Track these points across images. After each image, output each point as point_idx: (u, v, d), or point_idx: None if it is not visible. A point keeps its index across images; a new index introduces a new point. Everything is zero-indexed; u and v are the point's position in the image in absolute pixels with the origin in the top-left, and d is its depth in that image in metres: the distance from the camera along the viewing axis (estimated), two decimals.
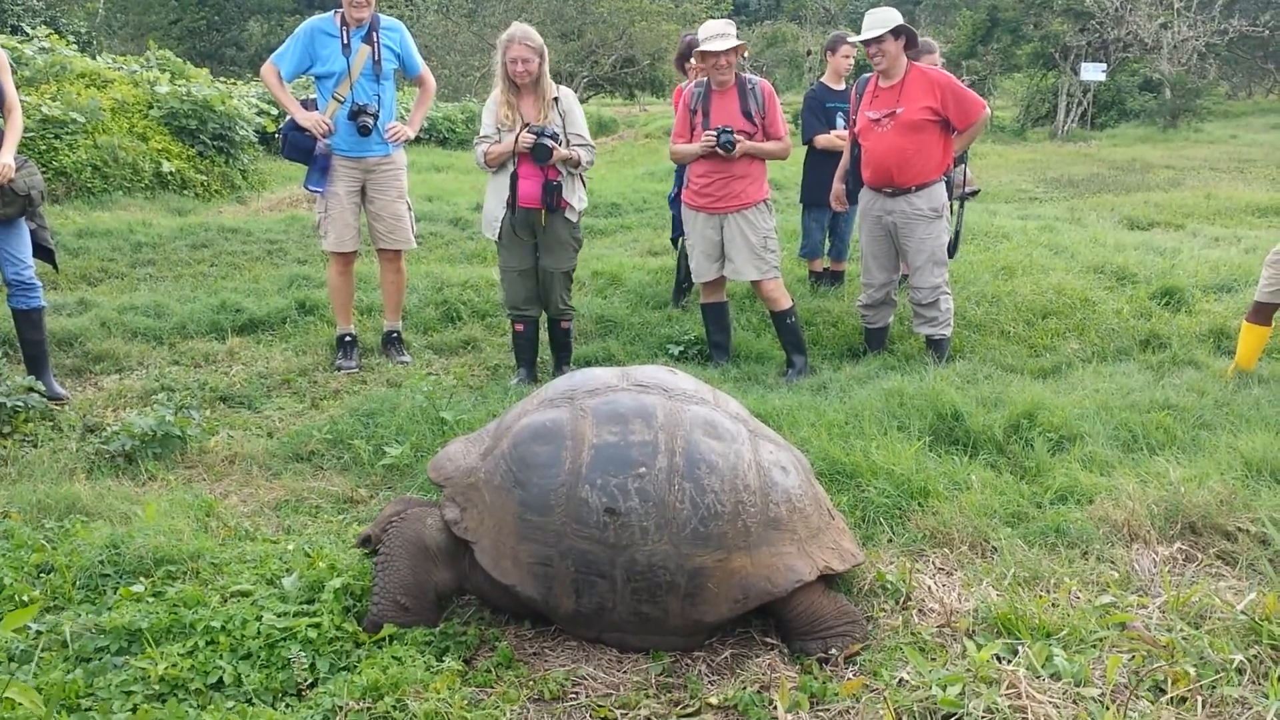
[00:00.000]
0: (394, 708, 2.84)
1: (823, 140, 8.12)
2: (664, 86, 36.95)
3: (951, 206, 7.61)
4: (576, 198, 6.31)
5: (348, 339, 6.95)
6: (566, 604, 3.23)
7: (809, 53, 38.14)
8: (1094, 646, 3.13)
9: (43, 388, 5.65)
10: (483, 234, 6.63)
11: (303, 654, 3.09)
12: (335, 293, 7.01)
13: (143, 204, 12.54)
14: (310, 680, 3.05)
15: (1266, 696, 2.75)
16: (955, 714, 2.81)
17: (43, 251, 6.06)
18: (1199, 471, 4.33)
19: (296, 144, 6.58)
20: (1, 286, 6.15)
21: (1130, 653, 3.06)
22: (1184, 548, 3.87)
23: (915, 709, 2.84)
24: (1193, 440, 4.92)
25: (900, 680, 3.00)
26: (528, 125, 6.01)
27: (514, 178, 6.10)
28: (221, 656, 3.08)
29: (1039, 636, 3.17)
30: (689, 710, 3.02)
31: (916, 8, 45.89)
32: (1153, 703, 2.82)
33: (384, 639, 3.22)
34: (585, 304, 7.88)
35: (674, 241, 8.43)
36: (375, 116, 6.54)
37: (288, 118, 6.62)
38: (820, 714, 2.95)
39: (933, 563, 3.86)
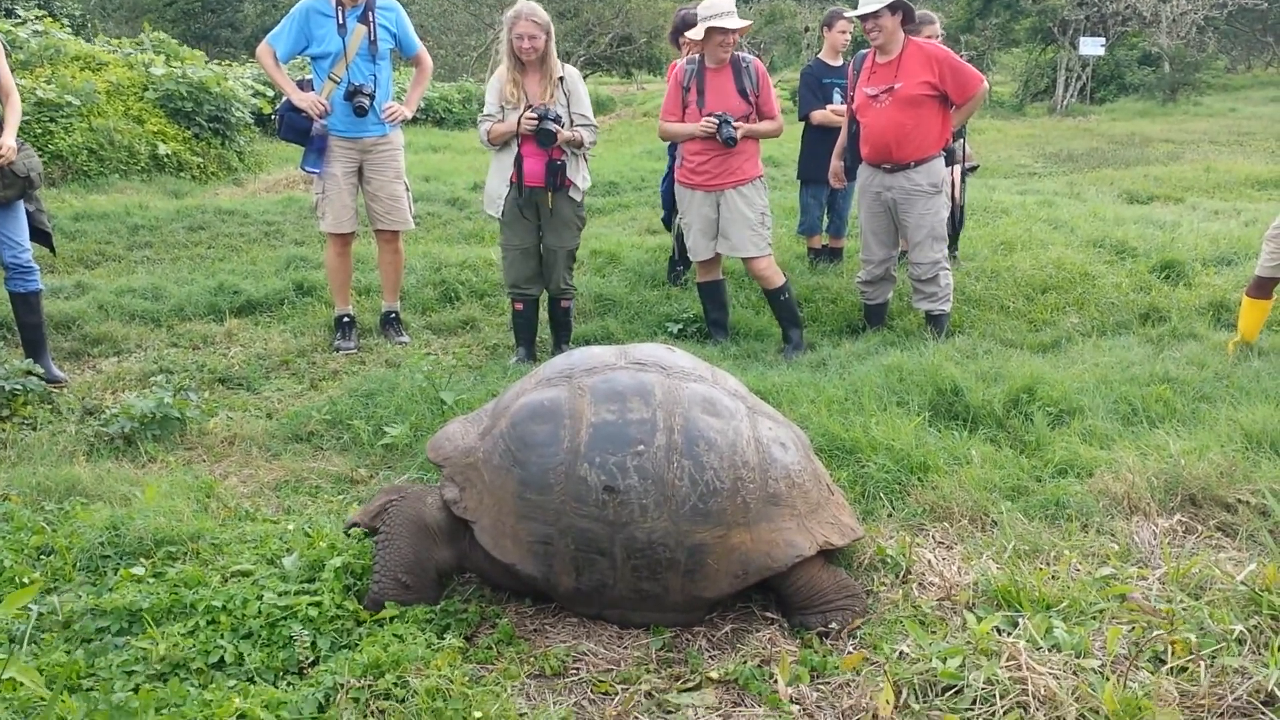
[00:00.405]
0: (395, 685, 2.84)
1: (819, 116, 8.09)
2: (661, 64, 36.76)
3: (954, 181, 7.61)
4: (580, 177, 6.29)
5: (346, 320, 6.94)
6: (567, 582, 3.23)
7: (807, 29, 38.00)
8: (1094, 618, 3.14)
9: (41, 371, 5.65)
10: (485, 212, 6.61)
11: (304, 632, 3.09)
12: (333, 274, 6.99)
13: (139, 187, 12.50)
14: (311, 658, 3.05)
15: (1267, 666, 2.75)
16: (955, 686, 2.81)
17: (39, 235, 6.05)
18: (1199, 444, 4.33)
19: (293, 125, 6.55)
20: None
21: (1130, 624, 3.06)
22: (1184, 520, 3.87)
23: (915, 682, 2.85)
24: (1192, 413, 4.91)
25: (900, 653, 3.01)
26: (531, 106, 5.98)
27: (518, 157, 6.08)
28: (223, 636, 3.08)
29: (1039, 609, 3.18)
30: (689, 684, 3.03)
31: None
32: (1153, 673, 2.82)
33: (385, 617, 3.23)
34: (584, 283, 7.86)
35: (665, 223, 8.40)
36: (371, 97, 6.50)
37: (284, 99, 6.58)
38: (820, 687, 2.96)
39: (933, 537, 3.86)
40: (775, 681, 2.95)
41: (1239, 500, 3.91)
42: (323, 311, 7.41)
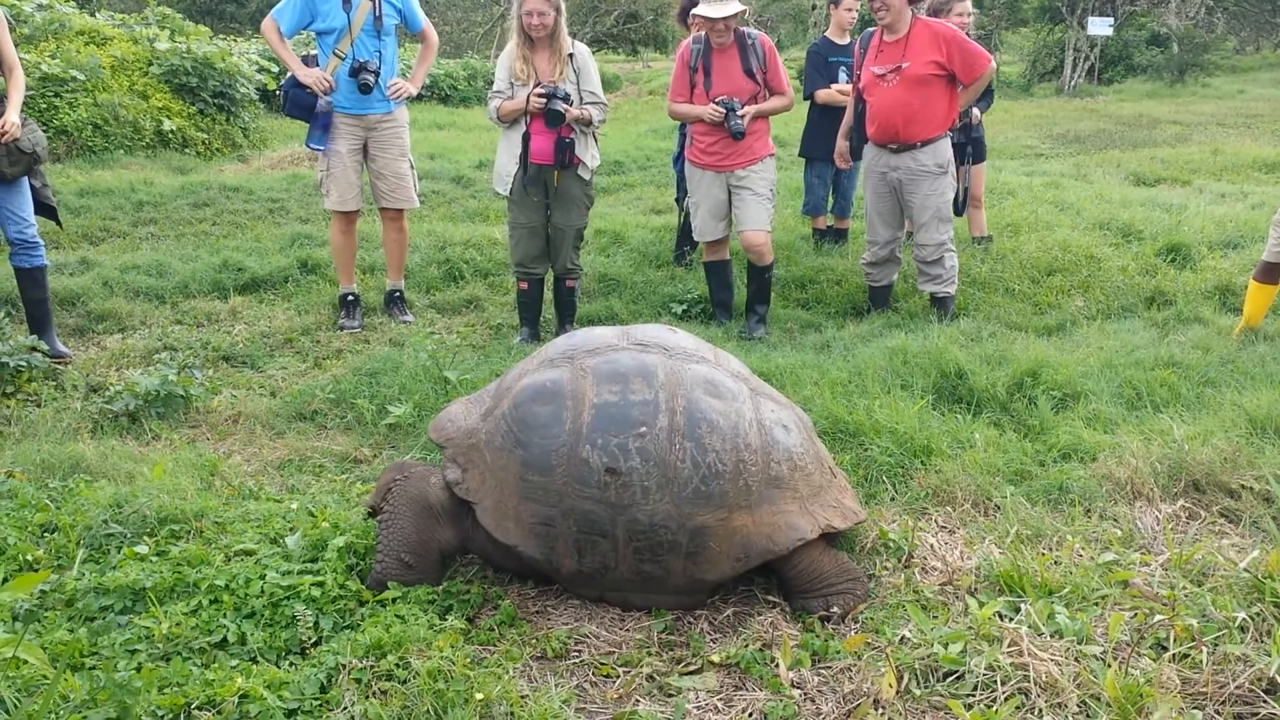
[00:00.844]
0: (397, 666, 2.85)
1: (823, 95, 8.05)
2: (667, 42, 36.65)
3: (964, 157, 7.56)
4: (589, 155, 6.27)
5: (350, 298, 6.93)
6: (569, 563, 3.23)
7: (814, 7, 37.75)
8: (1096, 604, 3.14)
9: (46, 347, 5.65)
10: (494, 188, 6.59)
11: (306, 612, 3.10)
12: (338, 252, 6.98)
13: (144, 163, 12.50)
14: (314, 638, 3.06)
15: (1269, 654, 2.75)
16: (957, 671, 2.82)
17: (45, 209, 6.05)
18: (1203, 429, 4.32)
19: (298, 101, 6.52)
20: (3, 245, 6.13)
21: (1133, 610, 3.06)
22: (1187, 505, 3.86)
23: (917, 666, 2.85)
24: (1197, 397, 4.90)
25: (902, 638, 3.02)
26: (540, 84, 5.95)
27: (526, 135, 6.06)
28: (225, 615, 3.09)
29: (1041, 594, 3.18)
30: (691, 668, 3.04)
31: None
32: (1155, 660, 2.82)
33: (387, 598, 3.23)
34: (588, 262, 7.85)
35: (679, 201, 8.38)
36: (376, 74, 6.46)
37: (289, 74, 6.56)
38: (822, 671, 2.96)
39: (935, 521, 3.86)
40: (776, 665, 2.95)
41: (1243, 486, 3.90)
42: (327, 290, 7.41)
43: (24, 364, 5.45)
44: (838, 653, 3.02)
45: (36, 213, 5.93)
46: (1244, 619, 2.94)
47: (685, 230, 8.11)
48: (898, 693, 2.77)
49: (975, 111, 7.92)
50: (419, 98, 17.12)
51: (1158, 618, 2.97)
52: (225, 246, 8.51)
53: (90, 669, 2.80)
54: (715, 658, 3.05)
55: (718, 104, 6.15)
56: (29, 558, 3.49)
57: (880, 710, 2.73)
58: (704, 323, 6.80)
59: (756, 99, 6.28)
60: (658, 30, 36.12)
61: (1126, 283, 7.26)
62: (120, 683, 2.63)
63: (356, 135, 6.66)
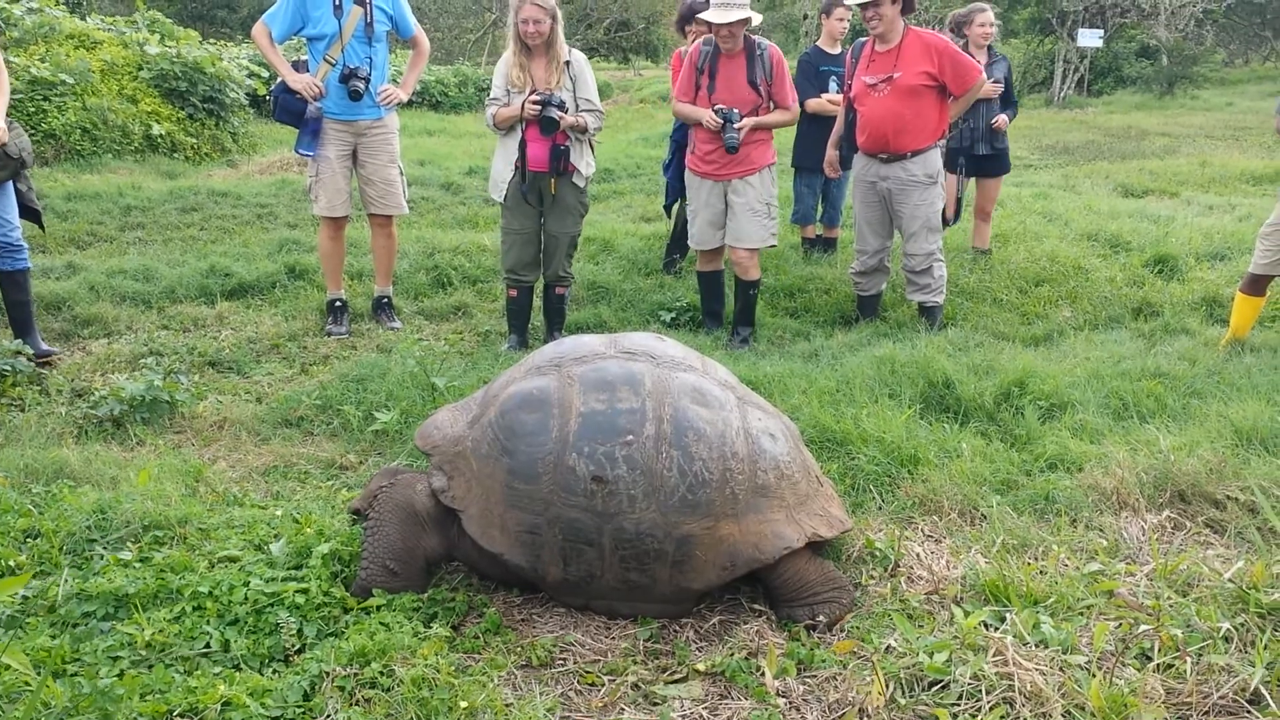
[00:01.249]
0: (381, 674, 2.84)
1: (813, 105, 8.06)
2: (659, 51, 36.74)
3: (955, 167, 7.59)
4: (584, 163, 6.27)
5: (338, 304, 6.92)
6: (554, 572, 3.22)
7: (805, 16, 37.87)
8: (1082, 614, 3.14)
9: (30, 351, 5.63)
10: (489, 196, 6.58)
11: (290, 619, 3.09)
12: (326, 258, 6.96)
13: (132, 167, 12.46)
14: (298, 646, 3.05)
15: (1253, 664, 2.76)
16: (942, 681, 2.81)
17: (28, 212, 6.02)
18: (1189, 439, 4.34)
19: (287, 106, 6.50)
20: None
21: (1117, 620, 3.06)
22: (1173, 516, 3.87)
23: (902, 676, 2.85)
24: (1183, 408, 4.92)
25: (888, 647, 3.02)
26: (535, 92, 5.95)
27: (522, 142, 6.06)
28: (209, 622, 3.08)
29: (1027, 604, 3.18)
30: (676, 676, 3.03)
31: None
32: (1139, 669, 2.83)
33: (372, 605, 3.22)
34: (577, 270, 7.84)
35: (667, 209, 8.38)
36: (367, 80, 6.45)
37: (279, 80, 6.54)
38: (808, 680, 2.96)
39: (922, 530, 3.86)
40: (762, 674, 2.95)
41: (1228, 497, 3.91)
42: (315, 295, 7.39)
43: (8, 368, 5.43)
44: (823, 662, 3.02)
45: (20, 216, 5.91)
46: (1228, 629, 2.94)
47: (675, 238, 8.12)
48: (884, 702, 2.77)
49: (1003, 118, 7.97)
50: (409, 104, 17.12)
51: (1142, 628, 2.97)
52: (213, 252, 8.49)
53: (72, 676, 2.78)
54: (701, 666, 3.04)
55: (716, 112, 6.15)
56: (11, 563, 3.47)
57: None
58: (692, 331, 6.80)
59: (758, 111, 6.25)
60: (649, 38, 36.21)
61: (1114, 293, 7.29)
62: (103, 690, 2.61)
63: (346, 141, 6.65)
